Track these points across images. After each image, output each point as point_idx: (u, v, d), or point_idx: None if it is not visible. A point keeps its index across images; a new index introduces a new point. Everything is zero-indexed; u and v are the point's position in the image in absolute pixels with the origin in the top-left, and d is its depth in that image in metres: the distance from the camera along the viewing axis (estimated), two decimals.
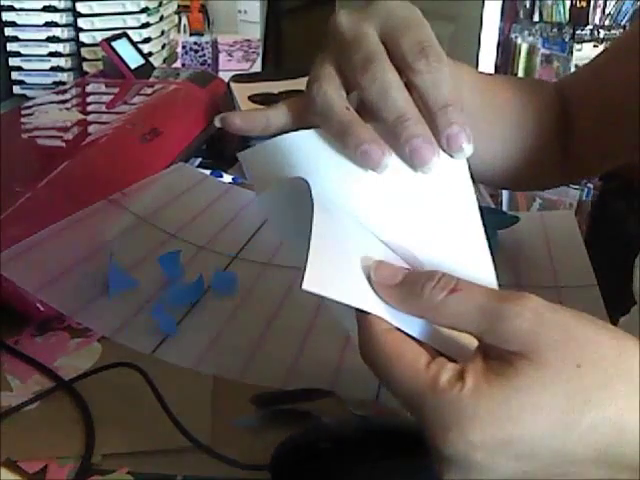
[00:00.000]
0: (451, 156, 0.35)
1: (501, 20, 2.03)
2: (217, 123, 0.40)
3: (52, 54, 1.19)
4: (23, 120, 0.92)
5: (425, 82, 0.35)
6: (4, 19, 1.18)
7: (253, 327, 0.57)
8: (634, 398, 0.28)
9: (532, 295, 0.30)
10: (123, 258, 0.60)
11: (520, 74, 2.05)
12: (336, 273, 0.32)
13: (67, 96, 1.03)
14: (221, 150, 1.01)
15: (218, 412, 0.50)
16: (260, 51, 1.61)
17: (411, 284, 0.32)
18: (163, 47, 1.32)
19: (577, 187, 1.86)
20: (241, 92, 1.04)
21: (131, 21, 1.21)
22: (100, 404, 0.50)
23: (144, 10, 1.22)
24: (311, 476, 0.41)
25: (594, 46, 1.93)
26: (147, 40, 1.23)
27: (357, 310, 0.32)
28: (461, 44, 1.91)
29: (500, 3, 2.01)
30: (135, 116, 0.92)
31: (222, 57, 1.50)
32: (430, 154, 0.34)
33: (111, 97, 1.04)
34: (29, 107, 0.96)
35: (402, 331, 0.32)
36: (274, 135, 0.37)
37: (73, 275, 0.56)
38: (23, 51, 1.20)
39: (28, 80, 1.21)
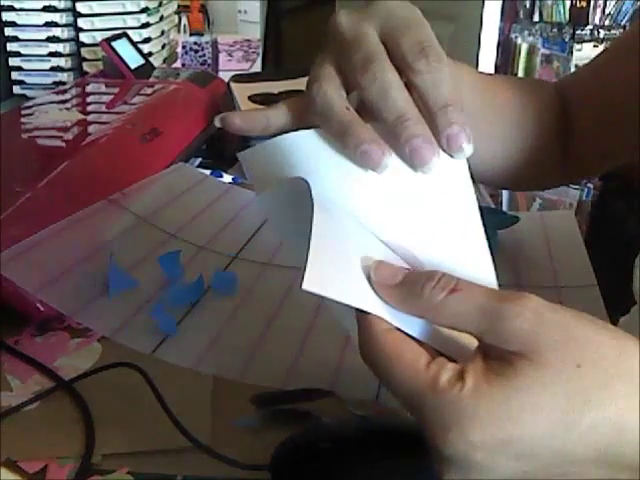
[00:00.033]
0: (451, 156, 0.35)
1: (501, 20, 2.02)
2: (217, 123, 0.40)
3: (52, 54, 1.19)
4: (23, 120, 0.92)
5: (425, 82, 0.35)
6: (4, 19, 1.18)
7: (253, 327, 0.57)
8: (634, 398, 0.28)
9: (532, 295, 0.30)
10: (123, 258, 0.60)
11: (520, 74, 2.05)
12: (336, 273, 0.32)
13: (67, 96, 1.03)
14: (221, 150, 1.01)
15: (218, 412, 0.50)
16: (260, 51, 1.61)
17: (411, 284, 0.32)
18: (163, 47, 1.32)
19: (577, 187, 1.86)
20: (241, 92, 1.04)
21: (131, 21, 1.21)
22: (100, 404, 0.50)
23: (144, 10, 1.22)
24: (311, 476, 0.41)
25: (594, 46, 1.93)
26: (147, 40, 1.23)
27: (357, 310, 0.32)
28: (461, 44, 1.91)
29: (500, 3, 2.00)
30: (135, 116, 0.92)
31: (222, 57, 1.50)
32: (430, 154, 0.34)
33: (111, 97, 1.04)
34: (29, 107, 0.96)
35: (402, 331, 0.32)
36: (274, 135, 0.37)
37: (73, 275, 0.56)
38: (23, 51, 1.20)
39: (28, 80, 1.21)
